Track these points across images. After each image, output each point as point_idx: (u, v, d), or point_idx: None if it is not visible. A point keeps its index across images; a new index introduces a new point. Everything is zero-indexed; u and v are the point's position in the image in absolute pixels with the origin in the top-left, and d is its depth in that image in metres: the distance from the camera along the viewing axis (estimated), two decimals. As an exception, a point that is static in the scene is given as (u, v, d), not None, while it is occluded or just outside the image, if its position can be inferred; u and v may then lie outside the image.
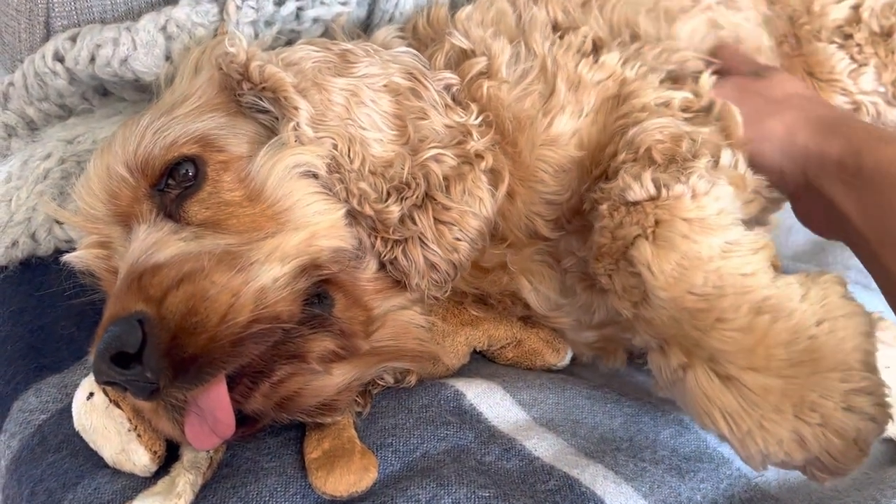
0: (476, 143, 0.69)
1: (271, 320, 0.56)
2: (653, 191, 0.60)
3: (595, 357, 0.82)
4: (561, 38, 0.76)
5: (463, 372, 0.75)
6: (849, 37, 1.08)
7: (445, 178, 0.68)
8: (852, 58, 1.07)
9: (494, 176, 0.70)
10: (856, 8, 1.08)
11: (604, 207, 0.63)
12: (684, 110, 0.71)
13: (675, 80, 0.74)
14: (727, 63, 0.85)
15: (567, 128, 0.71)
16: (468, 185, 0.68)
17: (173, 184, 0.63)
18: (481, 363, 0.78)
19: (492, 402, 0.70)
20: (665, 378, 0.59)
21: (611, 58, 0.73)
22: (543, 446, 0.67)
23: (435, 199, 0.67)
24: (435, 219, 0.67)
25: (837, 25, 1.08)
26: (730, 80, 0.80)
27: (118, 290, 0.57)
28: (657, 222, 0.59)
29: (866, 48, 1.07)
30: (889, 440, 0.81)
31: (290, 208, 0.62)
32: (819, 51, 1.08)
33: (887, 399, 0.54)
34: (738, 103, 0.73)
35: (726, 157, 0.65)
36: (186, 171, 0.63)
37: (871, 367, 0.54)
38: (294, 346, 0.58)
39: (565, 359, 0.79)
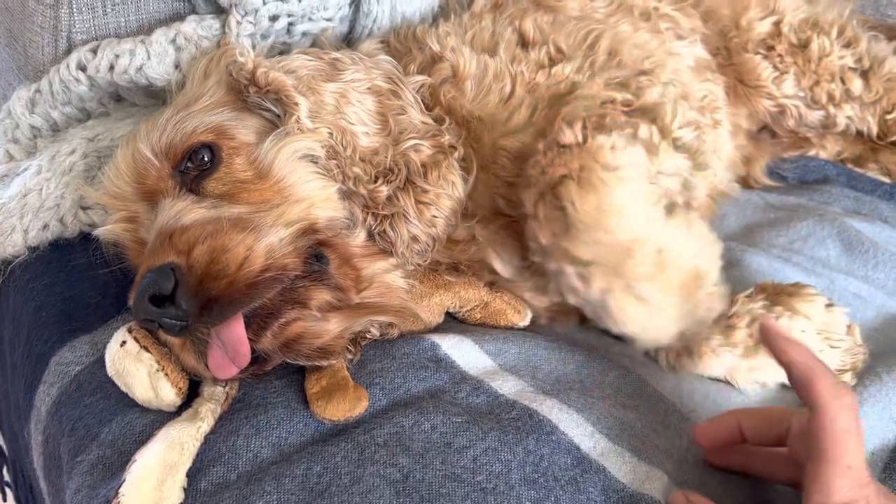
0: (449, 137, 0.82)
1: (279, 269, 0.68)
2: (580, 137, 0.73)
3: (551, 319, 0.94)
4: (525, 51, 0.90)
5: (438, 329, 0.87)
6: (771, 48, 1.23)
7: (423, 165, 0.81)
8: (775, 66, 1.23)
9: (465, 163, 0.83)
10: (777, 24, 1.24)
11: (540, 146, 0.75)
12: (625, 107, 0.82)
13: (622, 85, 0.85)
14: None
15: (522, 120, 0.84)
16: (443, 171, 0.81)
17: (192, 166, 0.75)
18: (453, 323, 0.91)
19: (463, 352, 0.82)
20: (582, 298, 0.73)
21: (562, 67, 0.87)
22: (507, 386, 0.79)
23: (415, 184, 0.80)
24: (416, 199, 0.79)
25: (762, 38, 1.23)
26: None
27: (151, 247, 0.69)
28: (581, 167, 0.71)
29: (787, 58, 1.23)
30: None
31: (292, 184, 0.75)
32: (747, 61, 1.23)
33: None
34: None
35: (643, 130, 0.77)
36: (203, 155, 0.75)
37: (719, 280, 0.74)
38: (297, 295, 0.70)
39: (526, 319, 0.91)
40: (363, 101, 0.82)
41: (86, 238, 0.88)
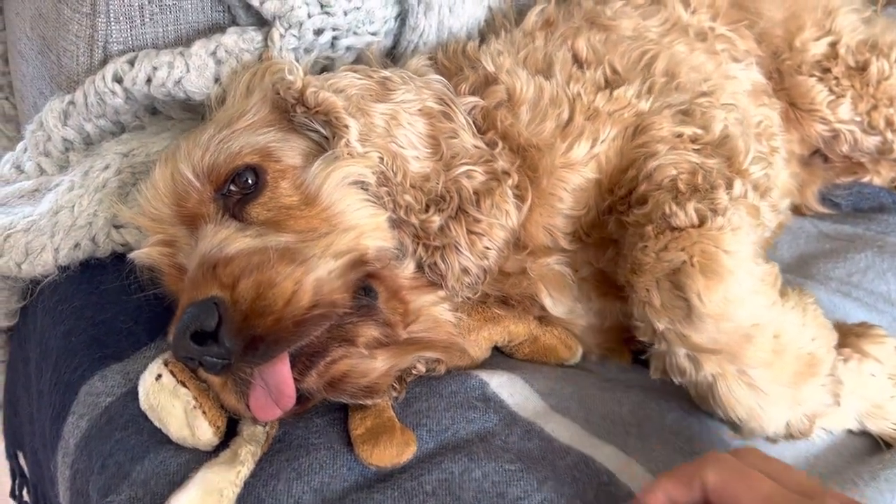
0: (502, 163, 0.78)
1: (328, 306, 0.64)
2: (696, 220, 0.70)
3: (603, 356, 0.89)
4: (581, 70, 0.85)
5: (485, 364, 0.83)
6: (827, 70, 1.18)
7: (476, 193, 0.76)
8: (831, 90, 1.18)
9: (519, 192, 0.79)
10: (833, 45, 1.19)
11: (649, 229, 0.72)
12: (693, 142, 0.80)
13: (685, 113, 0.83)
14: None
15: (583, 152, 0.80)
16: (496, 199, 0.77)
17: (235, 189, 0.71)
18: (500, 358, 0.86)
19: (513, 391, 0.78)
20: (690, 379, 0.71)
21: (625, 91, 0.83)
22: (560, 430, 0.74)
23: (467, 212, 0.75)
24: (468, 230, 0.75)
25: (817, 60, 1.18)
26: None
27: (193, 278, 0.65)
28: (702, 253, 0.68)
29: (843, 81, 1.17)
30: (866, 434, 0.89)
31: (341, 212, 0.70)
32: (800, 84, 1.18)
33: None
34: None
35: (738, 187, 0.74)
36: (247, 178, 0.71)
37: (833, 369, 0.73)
38: (345, 331, 0.66)
39: (577, 356, 0.86)
40: (414, 124, 0.78)
41: (118, 258, 0.84)
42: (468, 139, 0.79)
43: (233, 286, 0.62)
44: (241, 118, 0.77)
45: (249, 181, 0.71)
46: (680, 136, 0.81)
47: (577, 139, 0.81)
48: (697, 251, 0.69)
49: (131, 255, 0.75)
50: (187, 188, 0.72)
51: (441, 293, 0.76)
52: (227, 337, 0.60)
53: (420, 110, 0.79)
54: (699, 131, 0.81)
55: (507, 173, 0.78)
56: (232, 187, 0.71)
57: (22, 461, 1.05)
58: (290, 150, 0.74)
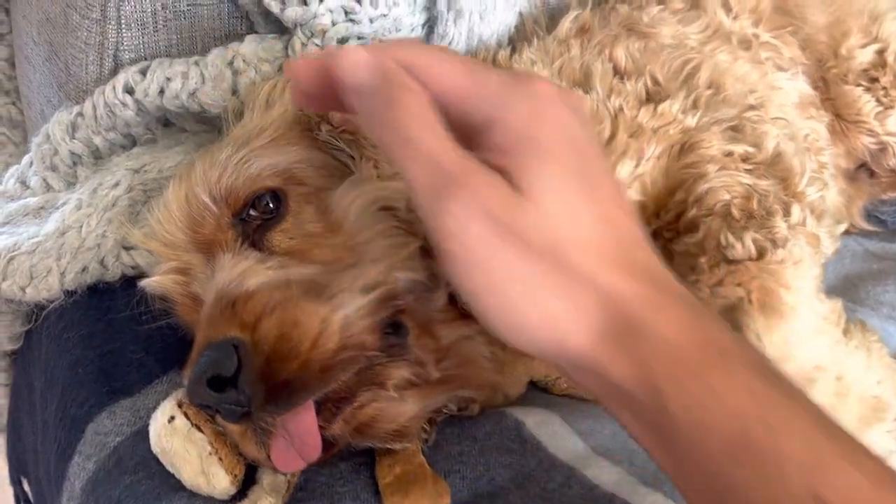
0: None
1: (356, 348, 0.58)
2: (754, 252, 0.65)
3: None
4: (622, 81, 0.80)
5: (521, 401, 0.77)
6: (875, 80, 1.11)
7: None
8: (878, 100, 1.11)
9: None
10: (881, 52, 1.12)
11: (703, 261, 0.67)
12: (744, 161, 0.74)
13: (734, 129, 0.77)
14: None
15: (627, 172, 0.74)
16: None
17: (255, 214, 0.66)
18: (535, 393, 0.80)
19: (550, 431, 0.72)
20: None
21: (670, 105, 0.77)
22: (603, 476, 0.69)
23: None
24: None
25: (864, 69, 1.12)
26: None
27: (209, 315, 0.59)
28: (762, 288, 0.63)
29: (892, 91, 1.11)
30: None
31: (369, 241, 0.65)
32: (846, 93, 1.12)
33: None
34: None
35: (796, 213, 0.69)
36: (268, 202, 0.65)
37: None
38: (374, 374, 0.60)
39: (617, 389, 0.81)
40: None
41: (128, 282, 0.79)
42: None
43: (254, 326, 0.56)
44: (260, 135, 0.71)
45: (270, 205, 0.66)
46: (730, 154, 0.75)
47: (620, 158, 0.75)
48: (756, 287, 0.64)
49: (143, 283, 0.70)
50: (203, 212, 0.66)
51: (475, 325, 0.70)
52: (248, 383, 0.54)
53: None
54: (751, 149, 0.76)
55: None
56: (252, 212, 0.66)
57: (26, 487, 1.00)
58: (315, 171, 0.68)
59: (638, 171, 0.74)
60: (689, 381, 0.40)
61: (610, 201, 0.45)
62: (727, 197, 0.70)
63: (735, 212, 0.69)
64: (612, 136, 0.76)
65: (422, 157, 0.43)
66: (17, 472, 1.00)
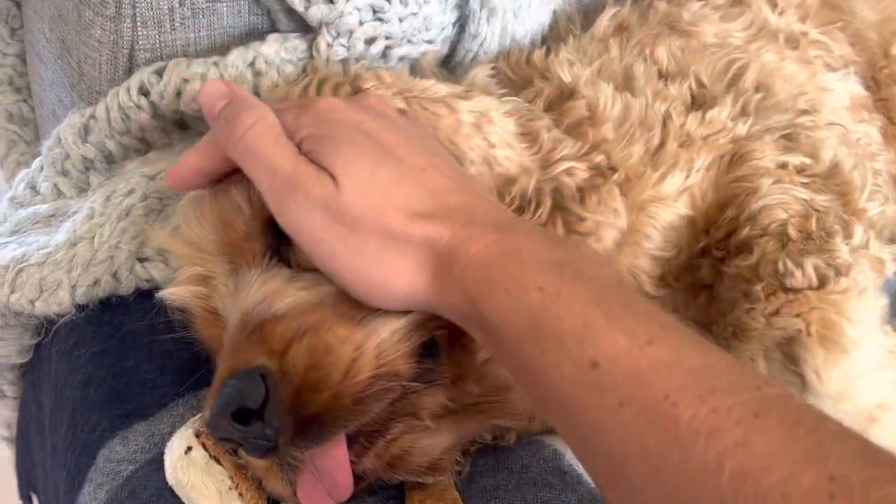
0: (603, 157, 0.68)
1: (391, 377, 0.53)
2: (815, 281, 0.60)
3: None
4: (666, 84, 0.74)
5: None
6: (928, 82, 1.06)
7: (579, 189, 0.65)
8: (931, 103, 1.06)
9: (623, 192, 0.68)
10: (933, 53, 1.06)
11: (758, 289, 0.62)
12: (799, 172, 0.69)
13: (788, 137, 0.72)
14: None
15: (677, 185, 0.69)
16: (603, 195, 0.66)
17: None
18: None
19: (592, 461, 0.67)
20: None
21: (719, 112, 0.72)
22: (649, 510, 0.64)
23: (569, 210, 0.64)
24: (568, 230, 0.63)
25: (916, 69, 1.06)
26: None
27: (234, 340, 0.54)
28: (823, 320, 0.58)
29: (947, 94, 1.05)
30: None
31: None
32: (897, 95, 1.06)
33: None
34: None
35: (859, 234, 0.64)
36: None
37: None
38: (409, 404, 0.56)
39: (661, 414, 0.76)
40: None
41: (142, 296, 0.74)
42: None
43: (282, 353, 0.51)
44: None
45: None
46: (784, 166, 0.70)
47: (670, 169, 0.70)
48: (816, 318, 0.60)
49: (160, 294, 0.65)
50: (235, 215, 0.61)
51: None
52: (276, 416, 0.50)
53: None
54: (806, 160, 0.70)
55: (613, 168, 0.67)
56: None
57: (36, 503, 0.97)
58: None
59: (687, 182, 0.69)
60: (490, 288, 0.48)
61: (412, 164, 0.53)
62: (784, 216, 0.65)
63: (792, 232, 0.64)
64: (662, 146, 0.71)
65: (262, 166, 0.53)
66: (27, 489, 0.97)
